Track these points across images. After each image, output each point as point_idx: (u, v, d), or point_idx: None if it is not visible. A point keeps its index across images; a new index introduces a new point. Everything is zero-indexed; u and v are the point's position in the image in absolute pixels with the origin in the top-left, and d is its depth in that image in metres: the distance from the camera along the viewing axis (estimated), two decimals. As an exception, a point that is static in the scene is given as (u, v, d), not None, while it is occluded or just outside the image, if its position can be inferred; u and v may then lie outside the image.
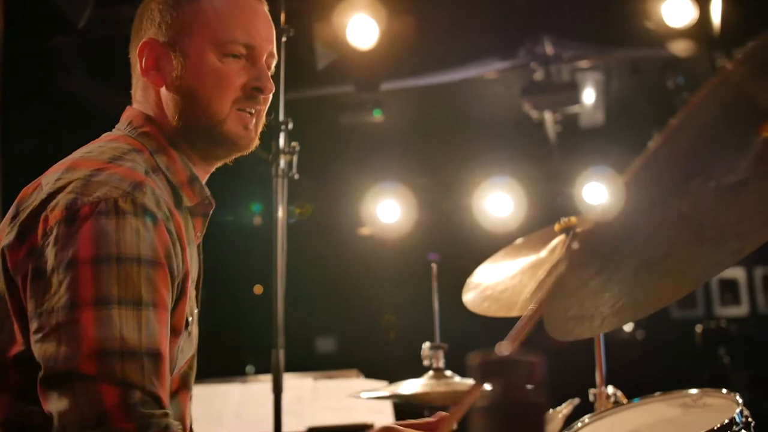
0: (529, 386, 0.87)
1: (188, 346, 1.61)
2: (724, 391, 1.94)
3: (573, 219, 2.40)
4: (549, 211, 5.61)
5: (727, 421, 1.73)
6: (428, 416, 1.54)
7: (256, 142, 1.71)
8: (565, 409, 2.36)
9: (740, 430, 1.74)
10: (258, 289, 5.97)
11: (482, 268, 2.54)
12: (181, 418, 1.61)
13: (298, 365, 3.60)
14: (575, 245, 2.02)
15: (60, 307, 1.36)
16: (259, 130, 1.71)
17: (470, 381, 2.15)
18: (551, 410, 2.36)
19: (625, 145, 5.30)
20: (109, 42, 4.31)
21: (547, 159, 6.18)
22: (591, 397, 2.35)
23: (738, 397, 1.86)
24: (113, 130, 1.69)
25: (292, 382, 3.44)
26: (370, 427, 3.25)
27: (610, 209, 1.20)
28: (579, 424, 2.06)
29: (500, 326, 1.47)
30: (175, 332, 1.52)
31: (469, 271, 2.53)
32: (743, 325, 6.71)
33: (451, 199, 6.35)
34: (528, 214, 5.94)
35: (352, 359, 4.31)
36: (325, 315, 6.47)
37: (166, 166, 1.61)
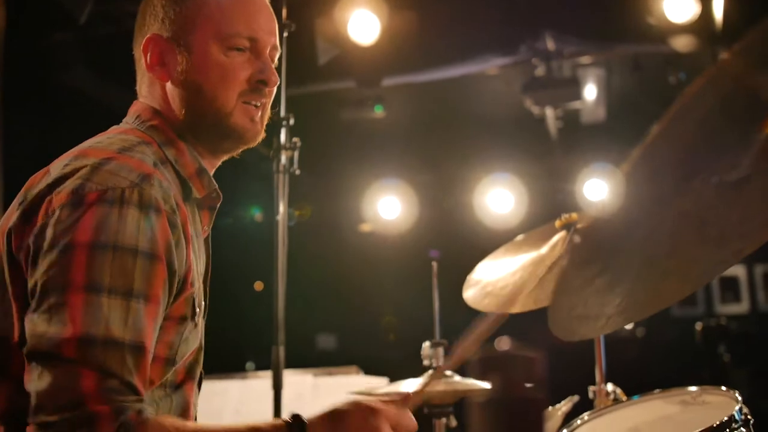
0: (528, 383, 0.87)
1: (194, 337, 1.61)
2: (724, 388, 1.94)
3: (574, 215, 2.40)
4: (550, 207, 5.60)
5: (726, 418, 1.73)
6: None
7: (263, 135, 1.72)
8: (564, 406, 2.36)
9: (739, 427, 1.74)
10: (258, 286, 5.98)
11: (483, 264, 2.54)
12: (186, 408, 1.62)
13: (299, 362, 3.60)
14: (577, 239, 2.02)
15: (52, 287, 1.37)
16: (265, 122, 1.72)
17: (470, 381, 2.14)
18: (551, 407, 2.36)
19: (626, 142, 5.24)
20: (110, 38, 4.32)
21: (548, 155, 6.17)
22: (590, 395, 2.36)
23: (737, 395, 1.86)
24: (121, 123, 1.69)
25: (292, 378, 3.44)
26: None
27: (611, 204, 1.19)
28: (578, 422, 2.06)
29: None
30: (173, 319, 1.52)
31: (469, 268, 2.53)
32: (743, 323, 6.70)
33: (452, 196, 6.35)
34: (529, 210, 5.93)
35: (352, 356, 4.31)
36: (325, 312, 6.47)
37: (174, 158, 1.62)
